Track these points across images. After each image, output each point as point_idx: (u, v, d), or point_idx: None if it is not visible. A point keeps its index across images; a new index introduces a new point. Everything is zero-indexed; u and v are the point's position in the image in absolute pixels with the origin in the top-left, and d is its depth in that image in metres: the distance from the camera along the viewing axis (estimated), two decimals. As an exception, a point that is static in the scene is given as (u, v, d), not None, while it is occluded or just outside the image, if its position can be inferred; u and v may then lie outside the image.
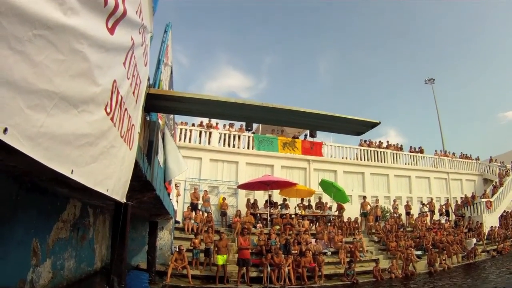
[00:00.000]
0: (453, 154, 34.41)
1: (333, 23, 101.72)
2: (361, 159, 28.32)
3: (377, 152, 29.04)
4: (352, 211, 23.86)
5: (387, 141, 31.45)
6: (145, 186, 6.15)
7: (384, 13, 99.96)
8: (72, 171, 2.13)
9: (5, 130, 1.32)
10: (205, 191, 21.53)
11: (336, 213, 23.08)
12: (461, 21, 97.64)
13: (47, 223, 5.92)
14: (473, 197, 28.82)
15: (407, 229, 23.46)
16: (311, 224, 21.54)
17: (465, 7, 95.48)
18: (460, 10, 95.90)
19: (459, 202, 28.86)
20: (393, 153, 29.90)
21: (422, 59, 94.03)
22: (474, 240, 22.03)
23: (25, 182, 4.03)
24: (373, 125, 6.45)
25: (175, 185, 18.27)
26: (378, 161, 28.64)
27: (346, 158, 28.31)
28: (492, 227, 25.34)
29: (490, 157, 36.09)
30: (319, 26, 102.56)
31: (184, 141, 22.92)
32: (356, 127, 6.72)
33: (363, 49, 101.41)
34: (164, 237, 15.32)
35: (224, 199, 21.88)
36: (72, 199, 6.60)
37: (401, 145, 31.68)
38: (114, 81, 2.66)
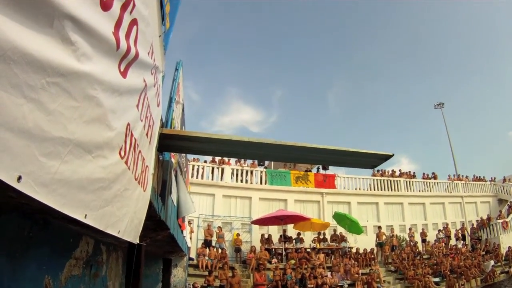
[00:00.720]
0: (467, 177, 34.14)
1: (341, 53, 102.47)
2: (374, 189, 28.19)
3: (390, 181, 28.90)
4: (367, 242, 23.58)
5: (400, 170, 31.38)
6: (159, 225, 6.12)
7: (391, 41, 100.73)
8: (86, 215, 2.11)
9: (19, 178, 1.31)
10: (219, 227, 21.43)
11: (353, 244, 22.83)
12: (467, 41, 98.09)
13: (59, 260, 5.89)
14: (489, 218, 28.51)
15: (424, 257, 23.16)
16: (327, 257, 21.27)
17: (471, 28, 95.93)
18: (466, 28, 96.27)
19: (475, 225, 28.50)
20: (406, 181, 29.78)
21: (430, 84, 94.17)
22: (492, 262, 21.76)
23: (38, 219, 4.03)
24: (386, 157, 6.41)
25: (188, 222, 18.22)
26: (391, 190, 28.46)
27: (360, 189, 28.22)
28: (509, 247, 24.84)
29: (504, 177, 35.55)
30: (328, 57, 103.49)
31: (197, 177, 22.96)
32: (369, 161, 6.68)
33: (370, 78, 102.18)
34: (178, 274, 15.16)
35: (238, 235, 21.76)
36: (85, 236, 6.58)
37: (414, 173, 31.70)
38: (128, 124, 2.67)
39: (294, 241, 22.06)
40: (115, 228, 2.98)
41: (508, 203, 30.84)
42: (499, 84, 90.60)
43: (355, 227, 21.73)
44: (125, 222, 3.24)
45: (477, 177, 35.00)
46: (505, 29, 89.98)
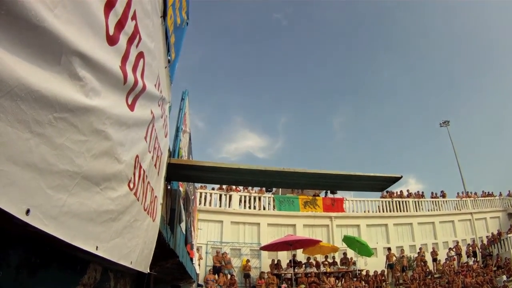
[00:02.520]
0: (475, 193, 33.81)
1: (345, 79, 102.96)
2: (383, 211, 28.04)
3: (399, 202, 28.72)
4: (378, 264, 23.38)
5: (408, 190, 31.32)
6: (168, 253, 6.10)
7: (394, 64, 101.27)
8: (97, 247, 2.11)
9: (28, 211, 1.31)
10: (225, 253, 21.37)
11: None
12: (468, 56, 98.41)
13: (67, 286, 5.85)
14: (499, 233, 28.01)
15: (435, 276, 22.87)
16: (337, 281, 21.08)
17: (471, 42, 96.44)
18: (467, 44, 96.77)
19: (485, 241, 28.11)
20: (415, 201, 29.55)
21: (435, 102, 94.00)
22: (504, 277, 21.38)
23: (45, 246, 4.01)
24: (395, 179, 6.38)
25: (197, 249, 18.15)
26: (400, 211, 28.30)
27: (368, 211, 28.10)
28: (521, 261, 24.25)
29: (509, 191, 35.07)
30: (332, 82, 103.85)
31: (205, 204, 22.96)
32: (378, 184, 6.65)
33: (375, 100, 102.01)
34: (187, 300, 15.01)
35: (248, 261, 21.63)
36: (92, 263, 6.54)
37: (422, 192, 31.53)
38: (137, 156, 2.68)
39: (304, 265, 21.91)
40: (127, 259, 2.97)
41: (518, 216, 30.45)
42: (503, 99, 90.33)
43: (365, 250, 21.61)
44: (136, 252, 3.23)
45: (485, 192, 34.64)
46: (506, 40, 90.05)
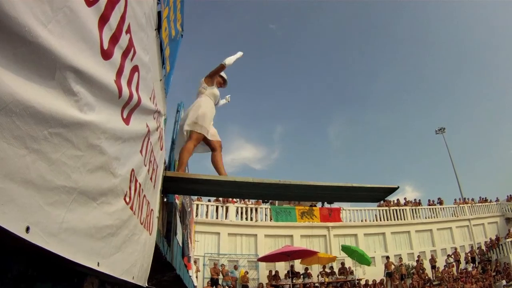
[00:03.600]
0: (472, 199, 34.10)
1: (340, 89, 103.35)
2: (380, 220, 28.20)
3: (396, 210, 28.85)
4: (376, 273, 23.42)
5: (405, 198, 31.70)
6: (165, 266, 6.07)
7: (389, 73, 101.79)
8: (98, 263, 2.10)
9: (28, 228, 1.30)
10: (222, 265, 21.34)
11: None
12: (460, 63, 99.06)
13: (64, 299, 5.80)
14: (498, 239, 28.25)
15: (434, 283, 22.91)
16: (335, 291, 21.11)
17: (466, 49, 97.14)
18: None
19: (483, 247, 28.22)
20: (412, 209, 29.67)
21: (430, 109, 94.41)
22: (504, 282, 21.50)
23: (41, 259, 3.99)
24: (391, 190, 6.36)
25: (194, 261, 18.10)
26: (397, 219, 28.47)
27: (366, 220, 28.23)
28: (521, 265, 24.32)
29: (509, 195, 35.27)
30: (327, 92, 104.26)
31: (201, 216, 22.93)
32: (374, 195, 6.63)
33: (371, 109, 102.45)
34: (184, 313, 14.92)
35: (246, 272, 21.62)
36: (90, 276, 6.51)
37: (419, 200, 31.79)
38: (132, 170, 2.67)
39: (302, 276, 21.88)
40: (129, 274, 2.95)
41: (516, 220, 30.53)
42: (498, 104, 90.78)
43: (363, 258, 21.62)
44: (137, 267, 3.22)
45: (483, 198, 34.93)
46: (500, 48, 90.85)
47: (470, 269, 25.18)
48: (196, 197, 21.88)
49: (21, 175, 1.27)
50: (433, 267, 25.65)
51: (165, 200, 6.25)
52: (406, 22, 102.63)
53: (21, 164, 1.27)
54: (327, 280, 21.82)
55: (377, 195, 6.61)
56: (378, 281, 21.88)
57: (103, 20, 1.91)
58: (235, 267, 21.68)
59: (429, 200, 32.27)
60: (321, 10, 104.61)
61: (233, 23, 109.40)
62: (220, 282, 20.09)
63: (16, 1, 1.14)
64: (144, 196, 3.27)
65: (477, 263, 27.05)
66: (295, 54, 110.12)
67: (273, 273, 21.71)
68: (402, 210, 29.32)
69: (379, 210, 28.54)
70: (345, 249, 22.19)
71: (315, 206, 27.13)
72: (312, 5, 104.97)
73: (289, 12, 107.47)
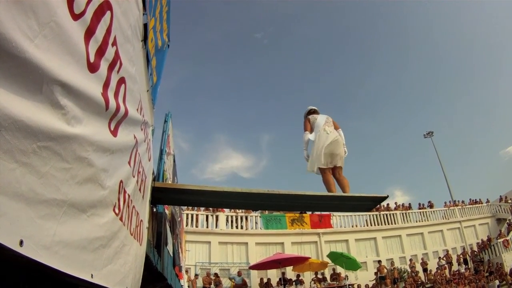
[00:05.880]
0: (463, 202, 34.40)
1: (326, 94, 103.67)
2: (371, 225, 28.26)
3: (387, 215, 28.91)
4: (368, 277, 23.51)
5: (395, 203, 31.68)
6: (156, 277, 6.05)
7: (376, 78, 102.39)
8: (92, 275, 2.10)
9: (21, 242, 1.31)
10: (215, 273, 21.27)
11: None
12: (448, 65, 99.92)
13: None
14: (489, 239, 28.47)
15: (427, 286, 23.00)
16: (328, 296, 21.12)
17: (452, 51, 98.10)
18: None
19: (475, 248, 28.39)
20: (402, 213, 29.79)
21: (417, 114, 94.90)
22: (497, 282, 21.62)
23: (33, 271, 3.96)
24: (381, 199, 6.38)
25: (186, 270, 18.02)
26: (388, 223, 28.56)
27: (356, 226, 28.24)
28: (513, 264, 24.45)
29: (500, 196, 35.52)
30: (313, 98, 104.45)
31: (192, 226, 22.84)
32: (364, 204, 6.65)
33: (358, 114, 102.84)
34: (176, 323, 14.82)
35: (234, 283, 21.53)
36: (80, 287, 6.46)
37: (410, 204, 32.01)
38: (121, 181, 2.68)
39: (294, 283, 21.84)
40: (123, 285, 2.95)
41: (508, 221, 30.91)
42: (485, 106, 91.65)
43: (351, 264, 21.63)
44: (130, 277, 3.21)
45: (473, 200, 35.27)
46: (484, 51, 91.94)
47: (462, 270, 25.33)
48: (186, 206, 21.85)
49: (12, 189, 1.28)
50: (425, 270, 25.70)
51: (154, 210, 6.24)
52: (384, 28, 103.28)
53: (12, 178, 1.28)
54: (319, 286, 21.81)
55: (367, 204, 6.62)
56: (370, 286, 21.90)
57: (89, 33, 1.93)
58: (239, 273, 21.54)
59: (419, 204, 32.52)
60: (305, 18, 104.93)
61: (218, 33, 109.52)
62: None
63: (3, 17, 1.16)
64: (133, 207, 3.27)
65: (469, 265, 27.22)
66: (281, 62, 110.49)
67: (265, 281, 21.65)
68: (393, 214, 29.43)
69: (369, 215, 28.42)
70: (332, 255, 22.15)
71: (305, 212, 27.14)
72: (296, 14, 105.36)
73: (273, 22, 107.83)
